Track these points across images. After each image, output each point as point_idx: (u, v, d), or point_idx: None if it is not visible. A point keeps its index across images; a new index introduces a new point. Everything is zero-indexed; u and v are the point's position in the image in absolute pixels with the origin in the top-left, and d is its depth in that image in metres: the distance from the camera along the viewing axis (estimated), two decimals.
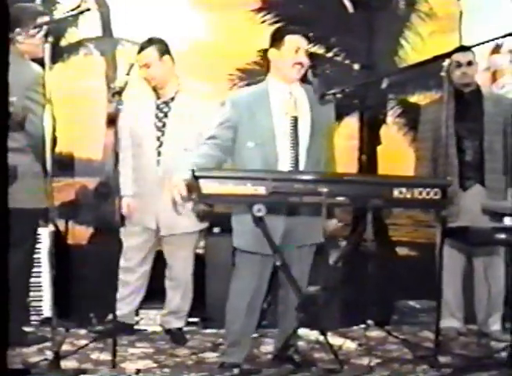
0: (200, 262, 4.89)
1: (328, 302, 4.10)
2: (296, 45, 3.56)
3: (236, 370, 3.63)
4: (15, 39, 3.91)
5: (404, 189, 3.26)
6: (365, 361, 3.92)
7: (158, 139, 4.24)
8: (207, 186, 3.09)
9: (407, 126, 5.73)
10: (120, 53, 5.50)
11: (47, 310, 4.63)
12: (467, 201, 4.31)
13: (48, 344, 4.04)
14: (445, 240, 3.84)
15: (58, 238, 4.46)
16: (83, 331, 4.46)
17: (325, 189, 3.16)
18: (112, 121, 4.47)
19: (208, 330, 4.63)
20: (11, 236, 3.92)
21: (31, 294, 4.42)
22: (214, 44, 5.49)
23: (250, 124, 3.54)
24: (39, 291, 4.63)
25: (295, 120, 3.54)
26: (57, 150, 3.92)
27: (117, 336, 3.77)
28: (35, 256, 4.36)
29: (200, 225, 4.39)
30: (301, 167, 3.53)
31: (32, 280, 4.28)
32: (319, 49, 5.61)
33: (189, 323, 4.62)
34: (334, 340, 4.26)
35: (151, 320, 4.71)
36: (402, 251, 5.70)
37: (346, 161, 5.09)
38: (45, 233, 4.59)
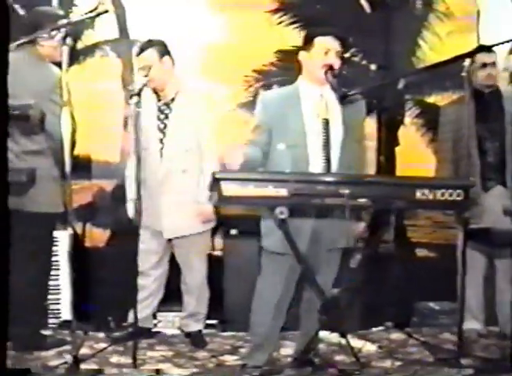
0: (218, 264, 4.89)
1: (349, 304, 4.08)
2: (325, 46, 3.52)
3: (256, 372, 3.61)
4: (35, 42, 3.91)
5: (427, 191, 3.21)
6: (386, 364, 3.89)
7: (160, 140, 4.21)
8: (228, 188, 3.06)
9: (425, 127, 5.70)
10: None
11: (65, 313, 4.63)
12: (489, 202, 4.26)
13: (66, 347, 4.05)
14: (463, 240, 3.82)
15: (76, 241, 4.47)
16: (101, 334, 4.44)
17: (347, 191, 3.11)
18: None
19: (227, 333, 4.62)
20: (30, 240, 3.96)
21: (49, 297, 4.40)
22: (231, 45, 5.47)
23: (282, 125, 3.50)
24: (57, 293, 4.62)
25: (326, 122, 3.49)
26: (74, 152, 3.91)
27: (135, 340, 3.76)
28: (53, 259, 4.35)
29: (204, 227, 4.33)
30: (333, 171, 3.48)
31: (50, 282, 4.27)
32: None
33: (207, 326, 4.60)
34: (354, 342, 4.21)
35: (169, 323, 4.69)
36: (420, 252, 5.66)
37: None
38: (62, 236, 4.61)
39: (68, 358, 3.70)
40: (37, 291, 4.08)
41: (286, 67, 5.60)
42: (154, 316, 4.59)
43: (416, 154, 5.57)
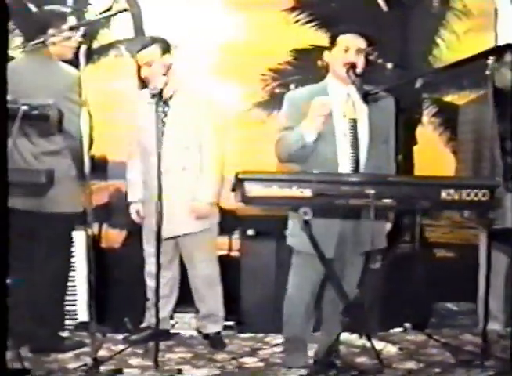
0: (235, 265, 4.86)
1: (370, 306, 4.05)
2: (346, 44, 3.50)
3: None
4: (47, 41, 3.88)
5: (452, 191, 3.17)
6: (407, 365, 3.86)
7: (159, 139, 4.16)
8: (252, 189, 3.03)
9: (443, 126, 5.66)
10: None
11: (81, 314, 4.60)
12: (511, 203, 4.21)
13: (84, 349, 4.03)
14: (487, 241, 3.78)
15: (92, 242, 4.44)
16: (119, 336, 4.41)
17: (372, 191, 3.08)
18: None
19: (246, 335, 4.57)
20: (49, 240, 3.94)
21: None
22: (247, 44, 5.43)
23: None
24: (73, 295, 4.59)
25: (354, 122, 3.46)
26: (91, 152, 3.89)
27: (153, 342, 3.75)
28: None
29: (202, 225, 4.22)
30: (361, 171, 3.46)
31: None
32: None
33: (224, 327, 4.57)
34: (375, 344, 4.18)
35: (186, 324, 4.66)
36: (439, 252, 5.62)
37: None
38: (79, 237, 4.58)
39: (87, 360, 3.68)
40: (56, 292, 4.05)
41: (303, 66, 5.59)
42: (171, 318, 4.56)
43: (433, 153, 5.52)
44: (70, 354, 3.99)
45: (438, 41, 5.68)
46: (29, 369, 3.53)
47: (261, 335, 4.48)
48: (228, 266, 4.92)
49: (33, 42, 3.74)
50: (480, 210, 3.78)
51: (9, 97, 2.97)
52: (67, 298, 4.38)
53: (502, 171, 4.22)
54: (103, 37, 5.50)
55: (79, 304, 4.61)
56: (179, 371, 3.67)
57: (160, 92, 3.55)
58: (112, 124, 5.11)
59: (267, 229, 4.91)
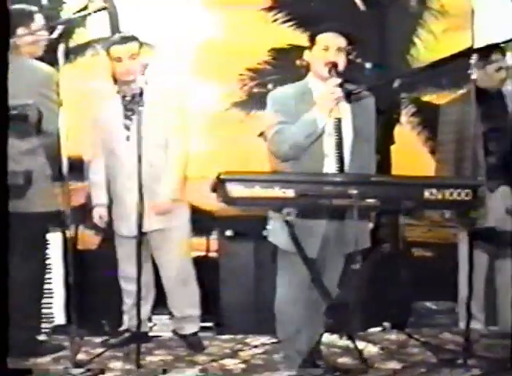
0: (213, 265, 4.83)
1: (350, 306, 4.03)
2: (326, 43, 3.46)
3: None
4: (18, 40, 3.82)
5: (435, 190, 3.16)
6: (389, 365, 3.85)
7: (128, 138, 4.10)
8: (235, 190, 3.00)
9: (421, 125, 5.68)
10: None
11: (58, 317, 4.54)
12: (493, 203, 4.21)
13: (63, 353, 3.96)
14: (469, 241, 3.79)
15: (68, 243, 4.39)
16: (97, 339, 4.34)
17: (355, 192, 3.06)
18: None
19: (226, 336, 4.53)
20: (24, 241, 3.87)
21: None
22: (225, 43, 5.41)
23: (295, 123, 3.42)
24: (50, 297, 4.53)
25: (339, 121, 3.41)
26: (67, 153, 3.83)
27: (133, 345, 3.73)
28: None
29: (163, 223, 4.12)
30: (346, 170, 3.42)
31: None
32: None
33: (203, 329, 4.53)
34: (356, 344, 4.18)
35: (165, 326, 4.62)
36: (417, 251, 5.64)
37: None
38: (55, 239, 4.52)
39: (66, 364, 3.63)
40: (32, 295, 3.98)
41: (281, 66, 5.57)
42: (149, 320, 4.51)
43: (411, 152, 5.54)
44: (49, 358, 3.93)
45: (416, 40, 5.71)
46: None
47: (241, 336, 4.45)
48: (206, 267, 4.89)
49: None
50: (462, 209, 3.79)
51: None
52: (44, 300, 4.33)
53: (485, 171, 4.25)
54: (79, 37, 5.44)
55: (56, 307, 4.55)
56: (164, 371, 3.63)
57: (141, 93, 3.50)
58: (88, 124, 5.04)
59: (245, 230, 4.89)
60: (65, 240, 4.56)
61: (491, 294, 4.49)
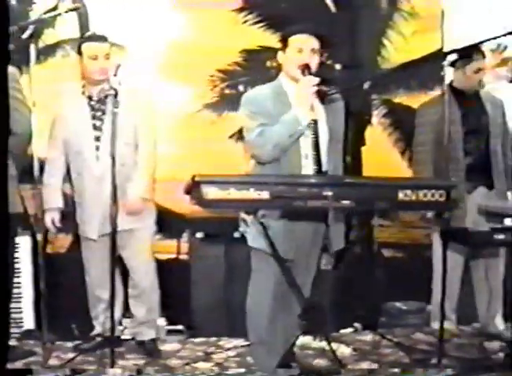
0: (184, 268, 4.79)
1: (323, 307, 4.03)
2: (299, 45, 3.45)
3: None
4: None
5: (409, 192, 3.18)
6: (362, 366, 3.86)
7: (98, 138, 4.05)
8: (210, 192, 2.98)
9: (392, 126, 5.69)
10: None
11: (27, 322, 4.46)
12: (471, 204, 4.21)
13: (33, 358, 3.90)
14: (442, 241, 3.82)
15: (37, 247, 4.32)
16: (69, 344, 4.28)
17: (330, 193, 3.06)
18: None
19: (199, 339, 4.48)
20: None
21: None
22: (195, 44, 5.36)
23: (274, 124, 3.40)
24: (19, 302, 4.45)
25: (315, 123, 3.40)
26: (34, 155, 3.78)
27: (103, 349, 3.77)
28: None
29: (133, 223, 4.04)
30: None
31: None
32: None
33: (174, 332, 4.49)
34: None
35: None
36: (387, 252, 5.65)
37: None
38: (23, 242, 4.45)
39: (37, 369, 3.58)
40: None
41: (252, 67, 5.55)
42: (120, 323, 4.45)
43: (382, 154, 5.55)
44: (19, 363, 3.85)
45: (386, 42, 5.71)
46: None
47: (213, 339, 4.42)
48: (177, 270, 4.86)
49: None
50: (436, 210, 3.82)
51: None
52: (13, 305, 4.26)
53: (464, 172, 4.27)
54: (48, 38, 5.36)
55: (25, 311, 4.47)
56: (138, 372, 3.59)
57: (116, 93, 3.46)
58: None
59: (216, 232, 4.86)
60: (34, 244, 4.51)
61: (465, 294, 4.52)
